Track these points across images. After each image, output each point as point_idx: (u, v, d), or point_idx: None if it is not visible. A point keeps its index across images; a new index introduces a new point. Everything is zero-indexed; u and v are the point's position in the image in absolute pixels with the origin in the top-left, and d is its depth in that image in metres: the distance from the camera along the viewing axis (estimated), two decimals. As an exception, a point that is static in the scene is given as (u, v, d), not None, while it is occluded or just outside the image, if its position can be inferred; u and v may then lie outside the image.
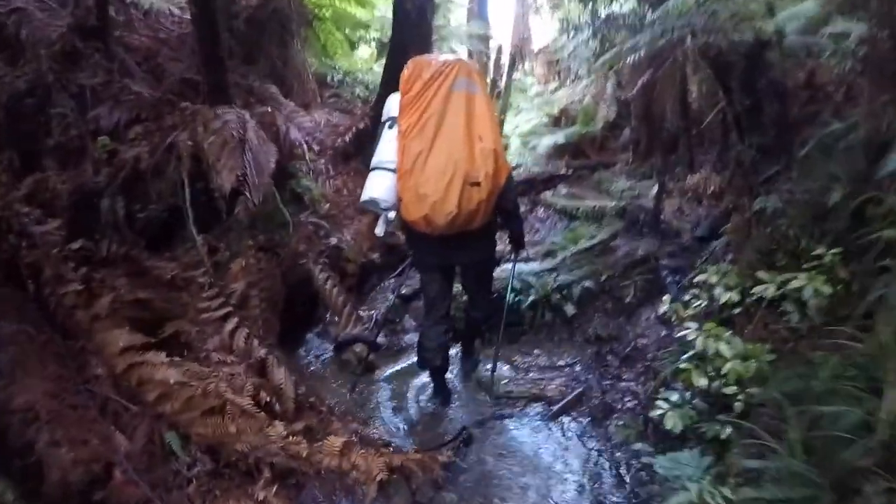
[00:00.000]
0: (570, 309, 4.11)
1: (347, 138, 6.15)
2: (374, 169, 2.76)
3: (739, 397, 2.55)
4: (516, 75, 19.96)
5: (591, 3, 6.62)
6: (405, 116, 2.61)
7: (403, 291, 4.44)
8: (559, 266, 4.53)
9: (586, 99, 13.35)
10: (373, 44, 10.56)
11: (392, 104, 2.75)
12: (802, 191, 3.34)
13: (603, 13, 7.17)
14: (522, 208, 5.75)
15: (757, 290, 2.78)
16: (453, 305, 3.19)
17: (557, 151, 12.87)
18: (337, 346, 3.95)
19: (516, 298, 4.09)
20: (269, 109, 4.50)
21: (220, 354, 3.36)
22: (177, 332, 3.48)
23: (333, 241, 4.74)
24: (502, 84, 14.95)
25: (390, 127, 2.70)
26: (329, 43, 8.91)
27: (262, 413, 3.02)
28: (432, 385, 3.35)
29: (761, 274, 2.82)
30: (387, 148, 2.71)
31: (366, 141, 6.22)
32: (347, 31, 9.39)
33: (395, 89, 2.84)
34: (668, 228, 5.98)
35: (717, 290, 3.09)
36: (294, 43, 7.80)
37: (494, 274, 3.32)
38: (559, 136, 13.40)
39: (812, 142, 3.72)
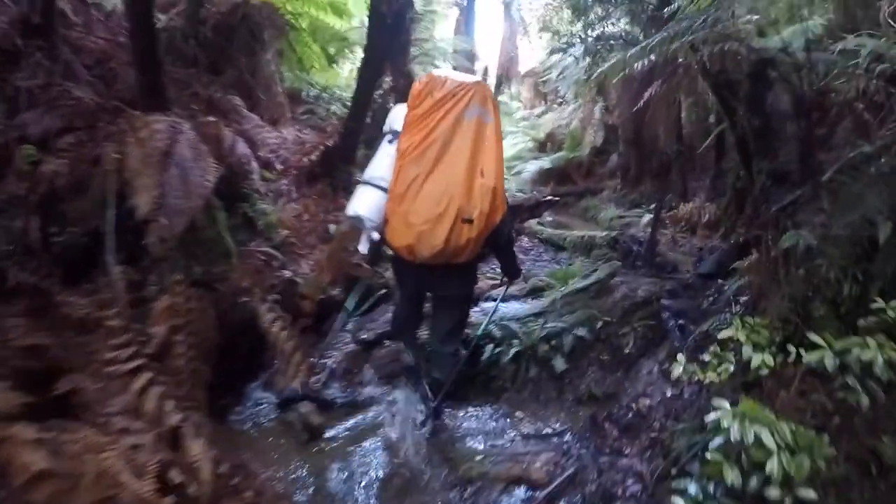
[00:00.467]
0: (559, 363, 3.48)
1: (314, 157, 5.53)
2: (364, 183, 2.58)
3: (786, 502, 1.93)
4: (502, 98, 19.74)
5: (582, 19, 6.14)
6: (408, 134, 2.45)
7: (364, 336, 3.79)
8: (547, 310, 3.91)
9: (573, 123, 12.95)
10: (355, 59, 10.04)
11: (396, 116, 2.59)
12: (842, 225, 2.76)
13: (595, 32, 6.73)
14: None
15: (808, 357, 2.17)
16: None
17: (543, 177, 12.40)
18: (280, 404, 3.27)
19: (496, 351, 3.44)
20: (215, 120, 3.86)
21: (124, 419, 2.67)
22: (73, 389, 2.79)
23: (287, 273, 4.09)
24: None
25: (390, 142, 2.54)
26: (305, 56, 8.34)
27: (168, 501, 2.34)
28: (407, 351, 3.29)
29: (813, 336, 2.21)
30: (382, 163, 2.55)
31: (336, 161, 5.61)
32: (326, 44, 8.85)
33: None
34: (664, 262, 5.41)
35: (746, 350, 2.48)
36: (264, 53, 7.25)
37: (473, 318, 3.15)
38: (545, 162, 12.94)
39: (836, 166, 3.19)
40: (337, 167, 5.51)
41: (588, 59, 6.36)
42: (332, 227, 4.67)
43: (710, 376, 2.54)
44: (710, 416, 2.10)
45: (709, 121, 9.72)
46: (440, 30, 13.85)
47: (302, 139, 6.40)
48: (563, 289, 4.12)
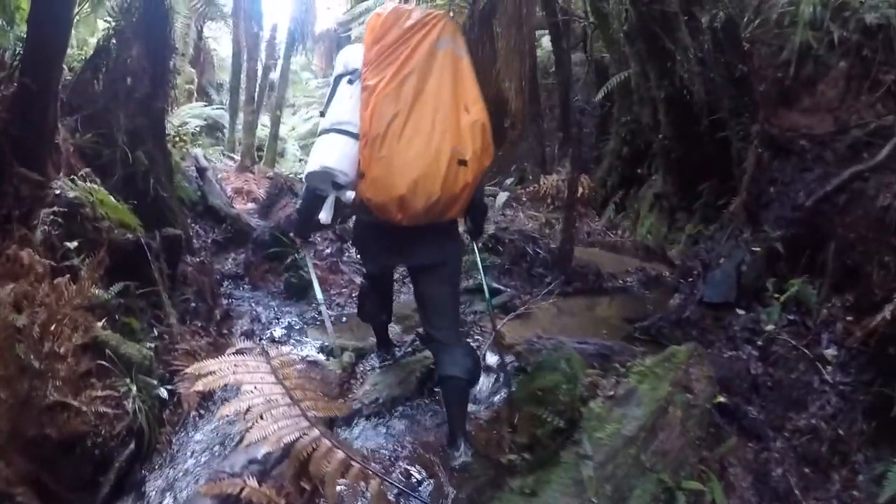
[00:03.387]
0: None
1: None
2: (327, 132, 2.05)
3: None
4: (292, 65, 16.96)
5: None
6: (375, 69, 2.01)
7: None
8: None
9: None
10: None
11: (351, 56, 2.14)
12: None
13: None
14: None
15: None
16: None
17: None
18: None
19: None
20: None
21: None
22: None
23: None
24: (277, 71, 11.90)
25: (350, 82, 2.08)
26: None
27: None
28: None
29: None
30: (346, 106, 2.05)
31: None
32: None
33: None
34: (583, 268, 3.82)
35: None
36: None
37: None
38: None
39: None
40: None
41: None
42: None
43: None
44: None
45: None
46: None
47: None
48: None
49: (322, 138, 2.07)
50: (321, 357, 3.04)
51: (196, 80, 10.58)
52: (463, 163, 1.96)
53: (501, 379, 2.63)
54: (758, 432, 2.21)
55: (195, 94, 9.99)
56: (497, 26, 7.77)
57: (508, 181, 6.95)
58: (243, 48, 8.90)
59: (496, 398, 2.57)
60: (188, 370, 1.96)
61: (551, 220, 5.70)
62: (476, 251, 2.75)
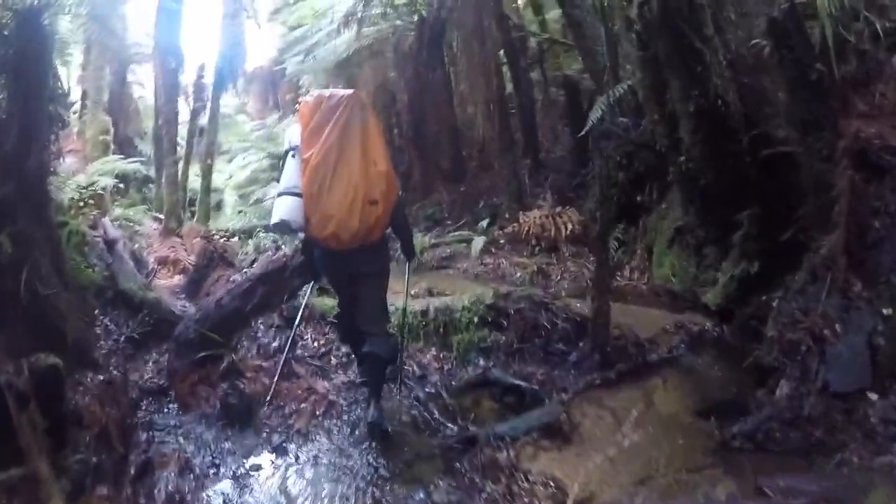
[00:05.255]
0: None
1: None
2: (281, 195, 2.86)
3: None
4: (225, 108, 15.72)
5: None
6: (308, 146, 2.80)
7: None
8: None
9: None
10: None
11: (292, 134, 2.96)
12: None
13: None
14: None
15: None
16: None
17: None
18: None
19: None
20: None
21: None
22: None
23: None
24: (206, 115, 10.71)
25: (293, 156, 2.88)
26: None
27: None
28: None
29: None
30: (292, 174, 2.84)
31: None
32: None
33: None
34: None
35: None
36: None
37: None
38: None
39: None
40: None
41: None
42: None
43: None
44: None
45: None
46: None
47: None
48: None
49: (279, 199, 2.82)
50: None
51: (112, 130, 9.24)
52: (373, 203, 2.71)
53: None
54: None
55: (111, 147, 8.66)
56: (452, 46, 6.98)
57: (482, 223, 6.03)
58: (160, 91, 7.72)
59: None
60: None
61: (542, 266, 4.80)
62: (408, 268, 3.38)
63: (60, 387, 2.62)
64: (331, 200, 2.70)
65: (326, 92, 3.02)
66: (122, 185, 8.81)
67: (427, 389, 3.02)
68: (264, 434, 2.86)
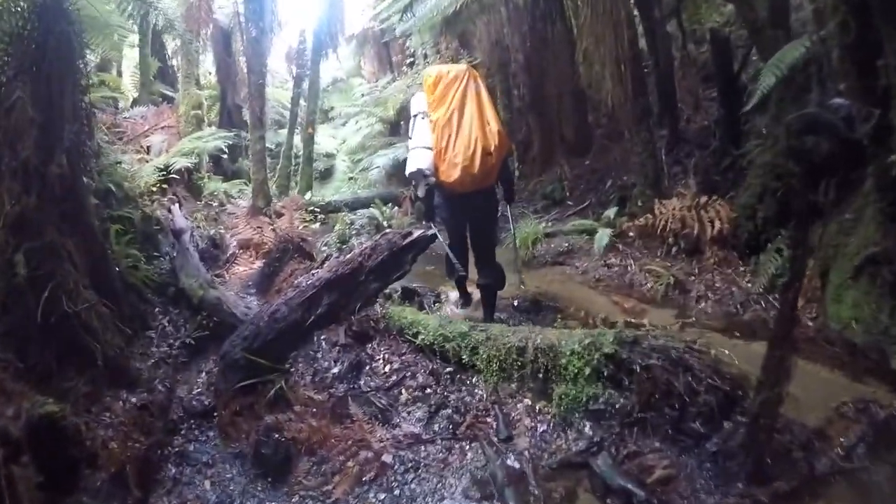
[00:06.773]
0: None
1: None
2: (415, 149, 3.51)
3: None
4: (336, 72, 15.48)
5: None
6: (435, 110, 3.46)
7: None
8: None
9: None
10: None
11: (419, 101, 3.59)
12: None
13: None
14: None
15: None
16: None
17: (402, 173, 8.56)
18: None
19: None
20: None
21: None
22: None
23: None
24: (306, 83, 10.34)
25: (422, 118, 3.53)
26: None
27: None
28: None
29: None
30: (423, 133, 3.50)
31: None
32: None
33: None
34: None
35: None
36: None
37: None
38: (401, 150, 9.23)
39: None
40: None
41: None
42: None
43: None
44: None
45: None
46: None
47: None
48: None
49: (413, 152, 3.54)
50: None
51: (204, 104, 9.00)
52: (489, 154, 3.37)
53: None
54: None
55: (204, 121, 8.45)
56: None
57: (609, 211, 5.01)
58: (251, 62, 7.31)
59: None
60: None
61: (680, 278, 3.78)
62: (508, 210, 4.09)
63: (60, 434, 2.20)
64: (456, 152, 3.38)
65: (445, 68, 3.72)
66: (225, 156, 8.69)
67: (510, 461, 2.26)
68: (296, 498, 2.29)
